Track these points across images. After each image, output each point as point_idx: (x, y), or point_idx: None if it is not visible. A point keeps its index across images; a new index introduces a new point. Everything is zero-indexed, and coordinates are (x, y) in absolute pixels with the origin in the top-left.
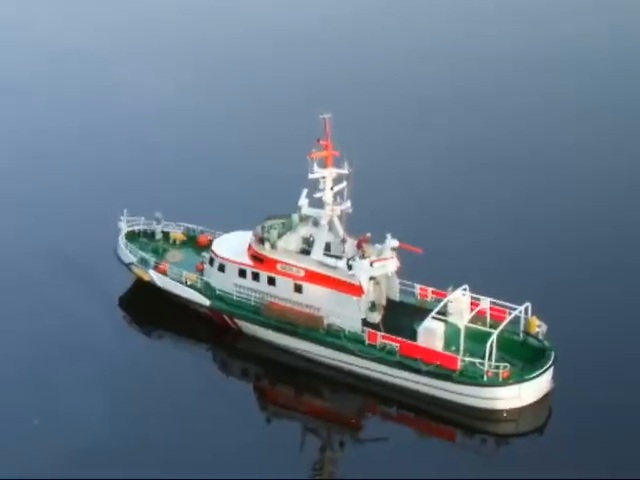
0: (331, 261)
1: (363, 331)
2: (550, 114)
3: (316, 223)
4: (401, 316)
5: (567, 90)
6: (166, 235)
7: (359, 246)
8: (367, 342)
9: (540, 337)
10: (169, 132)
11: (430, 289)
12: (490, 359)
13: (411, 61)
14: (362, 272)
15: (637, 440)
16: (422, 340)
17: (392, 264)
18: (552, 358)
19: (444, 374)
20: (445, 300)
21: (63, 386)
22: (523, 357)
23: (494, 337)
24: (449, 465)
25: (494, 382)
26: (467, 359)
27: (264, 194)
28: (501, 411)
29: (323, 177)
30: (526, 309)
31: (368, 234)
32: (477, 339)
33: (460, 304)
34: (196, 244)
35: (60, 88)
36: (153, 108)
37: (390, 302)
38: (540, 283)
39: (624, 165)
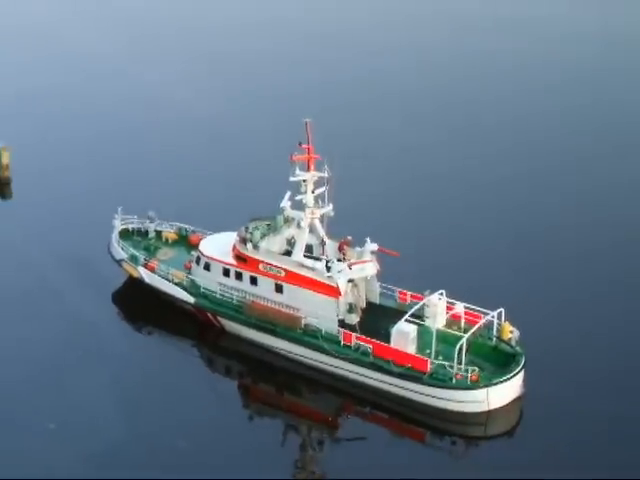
0: (310, 263)
1: (339, 332)
2: (534, 121)
3: (298, 225)
4: (379, 318)
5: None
6: (159, 234)
7: (340, 249)
8: (342, 343)
9: (512, 343)
10: (168, 134)
11: (409, 293)
12: (460, 362)
13: (394, 62)
14: (339, 274)
15: (604, 445)
16: (394, 342)
17: (371, 267)
18: (521, 363)
19: (414, 376)
20: (420, 303)
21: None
22: (495, 362)
23: (464, 341)
24: (419, 466)
25: (462, 385)
26: (437, 362)
27: (257, 196)
28: (469, 414)
29: (304, 180)
30: (499, 315)
31: (349, 237)
32: (450, 342)
33: (436, 308)
34: (187, 243)
35: (62, 87)
36: (156, 110)
37: (370, 305)
38: (516, 290)
39: (607, 175)
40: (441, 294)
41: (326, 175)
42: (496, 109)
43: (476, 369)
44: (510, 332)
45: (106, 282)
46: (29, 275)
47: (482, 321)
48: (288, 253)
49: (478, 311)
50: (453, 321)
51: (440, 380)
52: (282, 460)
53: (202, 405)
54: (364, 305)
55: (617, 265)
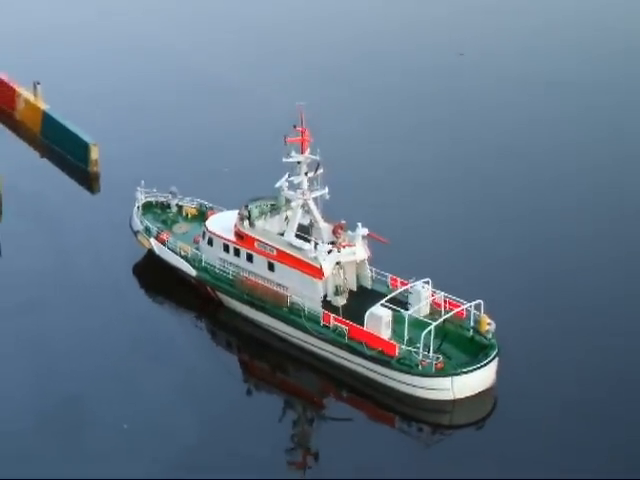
0: (298, 243)
1: (321, 312)
2: (520, 118)
3: (291, 206)
4: (367, 303)
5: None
6: (180, 208)
7: (335, 232)
8: (322, 323)
9: (488, 335)
10: (202, 111)
11: (399, 279)
12: (427, 350)
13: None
14: (323, 256)
15: (572, 440)
16: (368, 325)
17: (360, 252)
18: (491, 356)
19: (384, 360)
20: (400, 290)
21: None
22: (469, 352)
23: (431, 328)
24: (388, 451)
25: (427, 372)
26: (405, 347)
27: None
28: (435, 401)
29: (298, 162)
30: (478, 306)
31: (343, 221)
32: (424, 330)
33: (419, 296)
34: (205, 219)
35: (146, 82)
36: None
37: (362, 289)
38: (500, 283)
39: (592, 168)
40: (426, 282)
41: (318, 158)
42: (486, 97)
43: (440, 357)
44: (488, 324)
45: (128, 253)
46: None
47: (454, 311)
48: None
49: (458, 301)
50: (436, 310)
51: (407, 366)
52: (281, 435)
53: (201, 379)
54: (354, 288)
55: (601, 262)
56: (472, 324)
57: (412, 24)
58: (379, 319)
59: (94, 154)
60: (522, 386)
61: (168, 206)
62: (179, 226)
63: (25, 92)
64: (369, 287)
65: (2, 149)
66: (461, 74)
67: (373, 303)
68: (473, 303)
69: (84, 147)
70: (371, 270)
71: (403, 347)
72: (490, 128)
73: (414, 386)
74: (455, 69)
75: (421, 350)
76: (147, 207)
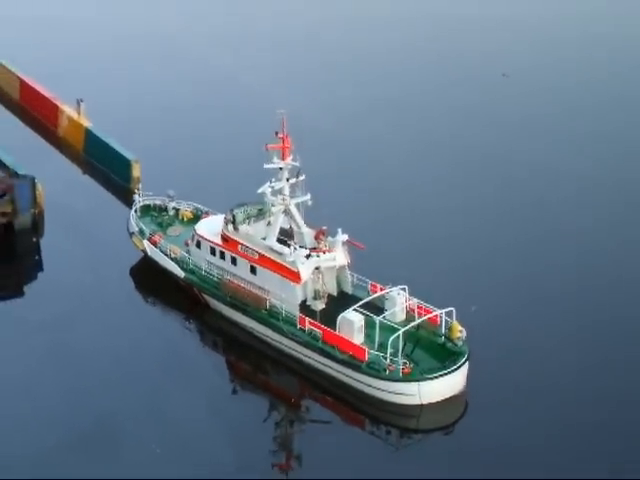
0: (278, 247)
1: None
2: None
3: (287, 212)
4: (345, 308)
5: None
6: (177, 212)
7: (317, 237)
8: (299, 326)
9: (459, 342)
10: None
11: (379, 286)
12: (395, 355)
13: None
14: (301, 260)
15: (539, 448)
16: (340, 330)
17: (340, 257)
18: (458, 363)
19: (354, 364)
20: (374, 295)
21: None
22: (440, 359)
23: (400, 333)
24: (357, 454)
25: (394, 377)
26: (374, 352)
27: None
28: (402, 406)
29: (280, 168)
30: (450, 314)
31: (324, 227)
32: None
33: (394, 302)
34: None
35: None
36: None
37: (342, 294)
38: (476, 291)
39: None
40: (402, 289)
41: (298, 165)
42: (463, 99)
43: (407, 362)
44: (459, 331)
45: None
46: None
47: (423, 317)
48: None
49: (432, 309)
50: (412, 316)
51: (375, 370)
52: (259, 437)
53: (188, 380)
54: (334, 293)
55: (574, 272)
56: (443, 331)
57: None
58: (351, 324)
59: (136, 171)
60: (492, 393)
61: (166, 209)
62: (173, 229)
63: (68, 109)
64: (350, 292)
65: (45, 166)
66: (447, 67)
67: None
68: (444, 310)
69: (126, 164)
70: (352, 276)
71: (372, 352)
72: (475, 137)
73: (382, 390)
74: (444, 62)
75: (388, 355)
76: (145, 210)
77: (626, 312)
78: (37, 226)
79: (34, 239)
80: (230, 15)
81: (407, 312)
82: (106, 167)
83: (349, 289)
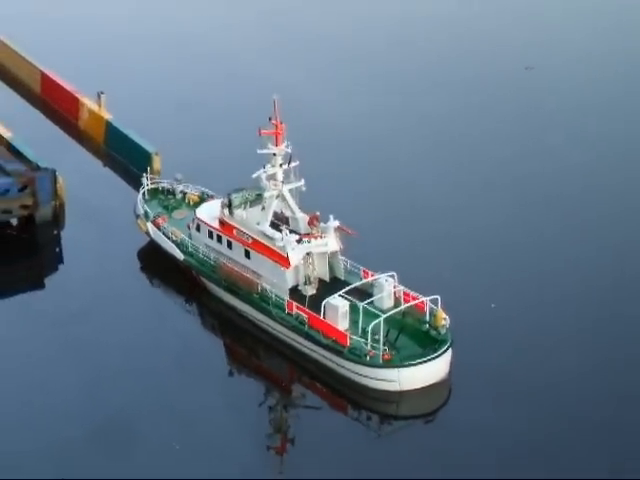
0: (270, 232)
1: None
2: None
3: (281, 198)
4: (334, 293)
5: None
6: (184, 195)
7: (310, 223)
8: (287, 311)
9: (442, 330)
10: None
11: (370, 272)
12: (377, 341)
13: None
14: (292, 245)
15: (521, 443)
16: (325, 315)
17: (332, 243)
18: (439, 351)
19: (337, 349)
20: (362, 282)
21: None
22: (423, 346)
23: (381, 320)
24: (341, 440)
25: (374, 363)
26: (355, 337)
27: None
28: (382, 392)
29: (274, 154)
30: (435, 301)
31: (317, 213)
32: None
33: (381, 288)
34: None
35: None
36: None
37: (335, 280)
38: (465, 280)
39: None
40: (391, 276)
41: (289, 151)
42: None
43: (387, 348)
44: (443, 319)
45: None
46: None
47: (407, 304)
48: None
49: (418, 296)
50: (399, 303)
51: (357, 356)
52: (263, 420)
53: (183, 361)
54: (327, 279)
55: (560, 265)
56: (428, 319)
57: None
58: (335, 309)
59: (156, 164)
60: (476, 381)
61: (173, 193)
62: (179, 212)
63: (89, 102)
64: (342, 278)
65: (66, 158)
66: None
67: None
68: (429, 298)
69: (147, 156)
70: (346, 262)
71: (354, 337)
72: (470, 124)
73: (363, 376)
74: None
75: (369, 341)
76: (154, 193)
77: (610, 296)
78: (58, 218)
79: (55, 231)
80: (248, 10)
81: (395, 299)
82: (126, 159)
83: (341, 275)
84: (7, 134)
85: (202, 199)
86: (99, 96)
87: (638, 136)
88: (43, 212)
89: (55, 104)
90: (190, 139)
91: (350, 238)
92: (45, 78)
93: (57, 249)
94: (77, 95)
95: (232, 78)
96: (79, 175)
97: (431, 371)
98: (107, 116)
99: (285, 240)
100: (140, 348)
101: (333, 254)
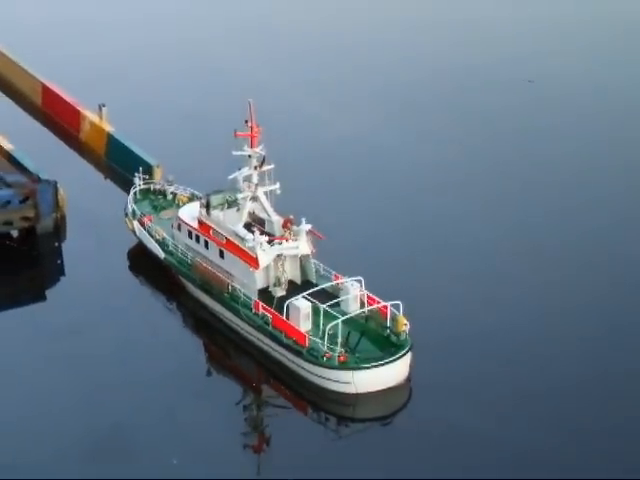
0: (242, 233)
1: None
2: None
3: (254, 199)
4: (309, 295)
5: None
6: (175, 196)
7: (284, 226)
8: (254, 311)
9: (402, 335)
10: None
11: (340, 276)
12: (335, 343)
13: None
14: (263, 247)
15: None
16: (288, 316)
17: (303, 246)
18: (395, 356)
19: (297, 350)
20: (330, 284)
21: None
22: (383, 350)
23: (339, 322)
24: (300, 439)
25: (330, 364)
26: (314, 339)
27: None
28: (338, 393)
29: (249, 156)
30: (396, 306)
31: (291, 216)
32: (347, 324)
33: (347, 292)
34: None
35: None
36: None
37: (307, 283)
38: (431, 286)
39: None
40: (358, 280)
41: (263, 153)
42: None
43: (344, 350)
44: (404, 324)
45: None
46: None
47: (368, 308)
48: (247, 225)
49: (381, 301)
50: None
51: (314, 357)
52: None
53: (160, 361)
54: (298, 281)
55: (523, 274)
56: (388, 324)
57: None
58: (297, 310)
59: (157, 176)
60: (436, 386)
61: (164, 193)
62: (166, 212)
63: (90, 114)
64: (314, 281)
65: (67, 170)
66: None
67: (313, 297)
68: (391, 303)
69: (148, 169)
70: (319, 266)
71: (312, 338)
72: (458, 131)
73: (321, 377)
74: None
75: (325, 342)
76: (145, 193)
77: (565, 289)
78: (59, 230)
79: (56, 243)
80: (249, 18)
81: (360, 303)
82: (128, 172)
83: (313, 278)
84: (8, 146)
85: (192, 200)
86: (100, 108)
87: None
88: (44, 224)
89: (56, 116)
90: (191, 150)
91: (324, 242)
92: (46, 90)
93: (58, 261)
94: (78, 107)
95: (233, 88)
96: (80, 187)
97: (387, 374)
98: (108, 128)
99: (255, 241)
100: (131, 354)
101: (305, 257)
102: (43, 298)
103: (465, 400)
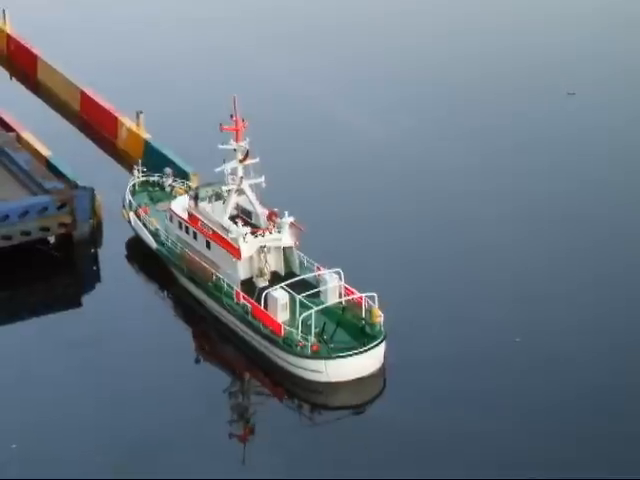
0: (227, 225)
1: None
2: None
3: (240, 192)
4: (288, 286)
5: None
6: (172, 189)
7: (269, 218)
8: (235, 300)
9: (376, 327)
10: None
11: (322, 268)
12: (308, 332)
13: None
14: (246, 238)
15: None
16: (266, 306)
17: (286, 238)
18: (367, 347)
19: (273, 339)
20: (309, 275)
21: None
22: (357, 341)
23: (312, 312)
24: (275, 427)
25: (303, 353)
26: (289, 328)
27: None
28: (311, 382)
29: (234, 149)
30: (372, 298)
31: (276, 209)
32: (324, 314)
33: (326, 284)
34: None
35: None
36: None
37: (290, 274)
38: (410, 278)
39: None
40: (337, 272)
41: (247, 147)
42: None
43: (317, 340)
44: (378, 316)
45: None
46: None
47: (343, 299)
48: (233, 217)
49: (358, 293)
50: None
51: (288, 346)
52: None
53: (152, 351)
54: (282, 273)
55: (510, 269)
56: (363, 315)
57: None
58: (275, 300)
59: (194, 183)
60: (409, 376)
61: (162, 186)
62: (162, 204)
63: (128, 121)
64: (297, 273)
65: (104, 178)
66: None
67: (294, 287)
68: (366, 294)
69: (185, 176)
70: (303, 258)
71: (287, 328)
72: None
73: (295, 366)
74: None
75: (299, 331)
76: (144, 185)
77: (545, 284)
78: (95, 237)
79: (92, 250)
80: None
81: (339, 294)
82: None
83: (297, 270)
84: (46, 152)
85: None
86: (138, 115)
87: None
88: (81, 230)
89: (94, 123)
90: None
91: (308, 235)
92: (84, 97)
93: (94, 267)
94: (116, 114)
95: (271, 93)
96: (117, 194)
97: (359, 364)
98: (145, 135)
99: (237, 232)
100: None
101: (288, 249)
102: (79, 305)
103: (440, 393)
